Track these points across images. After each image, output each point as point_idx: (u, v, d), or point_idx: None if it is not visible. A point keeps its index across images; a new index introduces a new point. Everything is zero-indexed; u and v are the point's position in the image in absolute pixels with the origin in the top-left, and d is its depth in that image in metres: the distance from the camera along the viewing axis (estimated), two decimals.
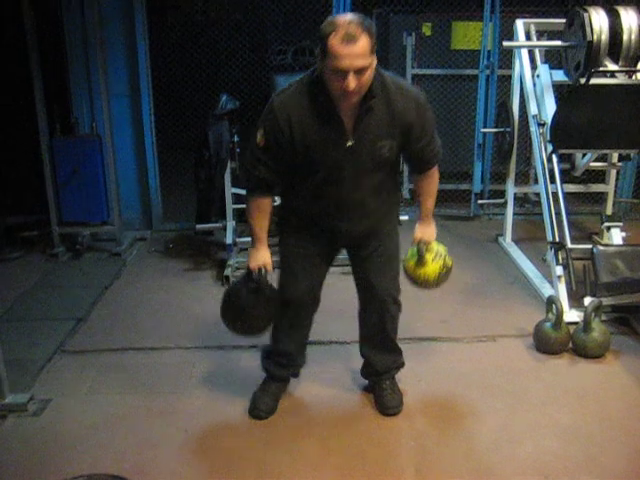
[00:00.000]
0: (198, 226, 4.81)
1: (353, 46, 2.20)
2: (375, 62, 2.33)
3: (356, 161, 2.52)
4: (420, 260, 2.78)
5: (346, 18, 2.26)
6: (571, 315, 3.78)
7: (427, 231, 2.87)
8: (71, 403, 3.12)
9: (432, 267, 2.79)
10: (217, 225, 4.81)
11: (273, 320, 2.86)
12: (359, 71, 2.24)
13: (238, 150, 4.58)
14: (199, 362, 3.50)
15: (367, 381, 3.16)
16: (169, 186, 5.91)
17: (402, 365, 3.11)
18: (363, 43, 2.21)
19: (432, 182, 2.80)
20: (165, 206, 5.77)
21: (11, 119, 5.61)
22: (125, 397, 3.17)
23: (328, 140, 2.48)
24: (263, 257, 2.75)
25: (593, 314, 3.49)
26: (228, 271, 4.54)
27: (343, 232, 2.72)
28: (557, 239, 4.14)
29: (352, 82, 2.25)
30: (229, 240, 4.64)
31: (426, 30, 6.00)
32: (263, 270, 2.73)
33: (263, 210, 2.69)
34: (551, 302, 3.58)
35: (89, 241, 5.31)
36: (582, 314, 3.57)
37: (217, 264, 4.83)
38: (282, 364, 3.03)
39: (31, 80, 4.88)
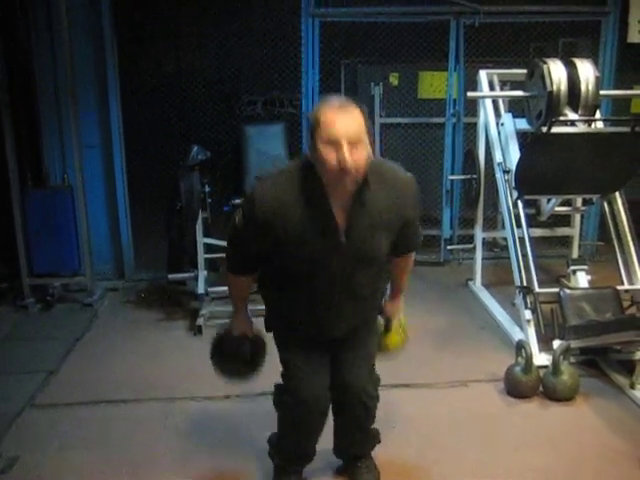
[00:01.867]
0: (170, 276, 4.81)
1: (347, 113, 2.08)
2: (369, 148, 2.16)
3: (346, 258, 2.29)
4: (385, 332, 2.81)
5: (338, 97, 2.22)
6: (541, 358, 3.83)
7: (397, 307, 2.79)
8: (40, 460, 3.07)
9: (394, 338, 2.84)
10: (189, 275, 4.82)
11: (283, 423, 2.70)
12: (354, 145, 2.07)
13: (209, 200, 4.63)
14: (172, 414, 3.47)
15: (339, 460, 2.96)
16: (141, 235, 5.91)
17: (379, 442, 2.92)
18: (357, 114, 2.10)
19: (409, 262, 2.66)
20: (137, 256, 5.76)
21: None
22: (97, 452, 3.13)
23: (315, 236, 2.24)
24: (241, 327, 2.67)
25: (562, 357, 3.54)
26: (200, 321, 4.53)
27: (326, 332, 2.53)
28: (525, 283, 4.22)
29: (348, 153, 2.05)
30: (201, 290, 4.66)
31: (393, 80, 6.15)
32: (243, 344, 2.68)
33: (241, 288, 2.59)
34: (520, 346, 3.63)
35: (60, 292, 5.26)
36: (551, 357, 3.62)
37: (190, 314, 4.81)
38: (300, 464, 2.84)
39: (2, 131, 4.90)
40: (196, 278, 4.76)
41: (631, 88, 5.82)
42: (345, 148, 2.05)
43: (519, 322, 4.31)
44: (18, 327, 4.77)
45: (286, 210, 2.20)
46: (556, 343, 3.85)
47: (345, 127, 2.06)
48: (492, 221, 6.04)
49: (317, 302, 2.41)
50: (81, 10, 5.18)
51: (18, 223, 5.03)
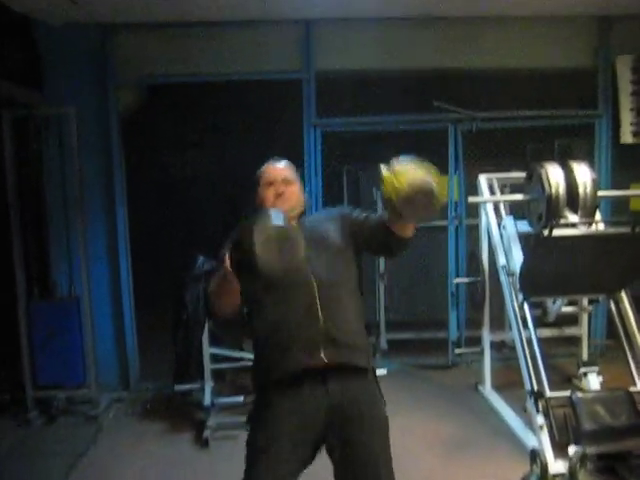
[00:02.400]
0: (176, 387, 4.76)
1: (279, 163, 2.64)
2: (302, 190, 2.64)
3: (315, 270, 2.36)
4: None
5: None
6: (556, 466, 3.70)
7: None
8: None
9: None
10: (195, 386, 4.76)
11: None
12: (287, 183, 2.56)
13: None
14: None
15: None
16: (147, 345, 5.89)
17: None
18: (288, 164, 2.66)
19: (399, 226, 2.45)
20: (143, 366, 5.72)
21: None
22: None
23: None
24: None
25: (578, 465, 3.44)
26: (207, 433, 4.44)
27: (317, 351, 2.32)
28: (535, 387, 4.14)
29: (282, 186, 2.53)
30: (207, 401, 4.60)
31: None
32: None
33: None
34: (535, 455, 3.54)
35: (64, 404, 5.18)
36: (567, 464, 3.51)
37: (196, 425, 4.72)
38: None
39: (11, 243, 4.98)
40: (202, 389, 4.70)
41: (628, 187, 5.95)
42: (280, 182, 2.55)
43: (532, 427, 4.20)
44: (20, 443, 4.68)
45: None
46: (571, 449, 3.73)
47: (278, 171, 2.60)
48: (499, 321, 6.00)
49: (300, 311, 2.35)
50: (90, 124, 5.38)
51: (23, 334, 5.03)
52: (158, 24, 5.42)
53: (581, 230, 4.29)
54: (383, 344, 6.15)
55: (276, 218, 2.15)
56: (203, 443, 4.41)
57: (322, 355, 2.31)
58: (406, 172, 2.26)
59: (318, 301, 2.34)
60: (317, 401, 2.33)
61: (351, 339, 2.40)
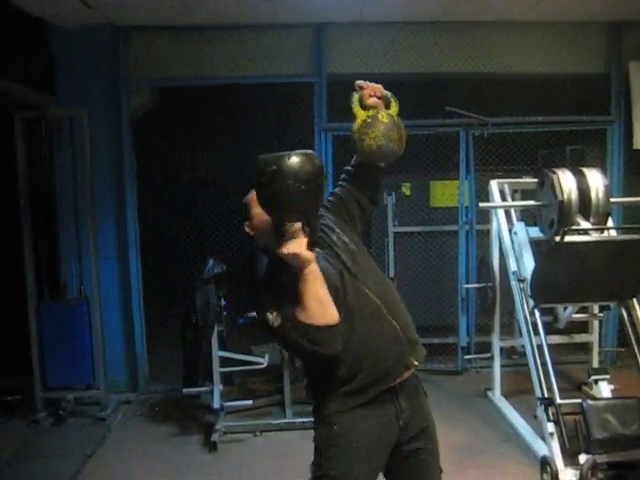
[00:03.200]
0: (185, 390, 4.75)
1: None
2: None
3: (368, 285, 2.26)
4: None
5: None
6: (567, 474, 3.68)
7: None
8: None
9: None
10: (204, 389, 4.76)
11: None
12: None
13: (225, 313, 4.63)
14: None
15: None
16: (156, 347, 5.90)
17: None
18: None
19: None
20: (151, 367, 5.72)
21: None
22: None
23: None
24: None
25: (589, 473, 3.42)
26: (215, 436, 4.44)
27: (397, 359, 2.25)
28: (545, 394, 4.12)
29: None
30: (216, 404, 4.58)
31: (405, 190, 6.27)
32: None
33: None
34: (545, 463, 3.52)
35: (73, 406, 5.20)
36: (578, 472, 3.49)
37: (204, 428, 4.72)
38: None
39: (22, 245, 5.01)
40: (211, 392, 4.69)
41: None
42: None
43: (542, 434, 4.18)
44: (28, 443, 4.69)
45: None
46: (582, 457, 3.71)
47: None
48: (509, 327, 5.98)
49: (378, 330, 2.23)
50: (101, 126, 5.41)
51: (33, 336, 5.04)
52: (171, 27, 5.44)
53: (593, 237, 4.26)
54: None
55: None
56: (211, 446, 4.41)
57: (413, 360, 2.28)
58: (372, 131, 2.27)
59: (388, 315, 2.24)
60: (392, 416, 2.27)
61: (414, 328, 2.38)
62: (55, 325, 5.06)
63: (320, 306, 2.08)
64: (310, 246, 2.06)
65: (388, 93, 2.38)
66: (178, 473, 4.15)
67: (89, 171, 5.10)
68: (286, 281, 2.10)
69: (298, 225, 2.07)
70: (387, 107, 2.35)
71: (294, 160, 2.00)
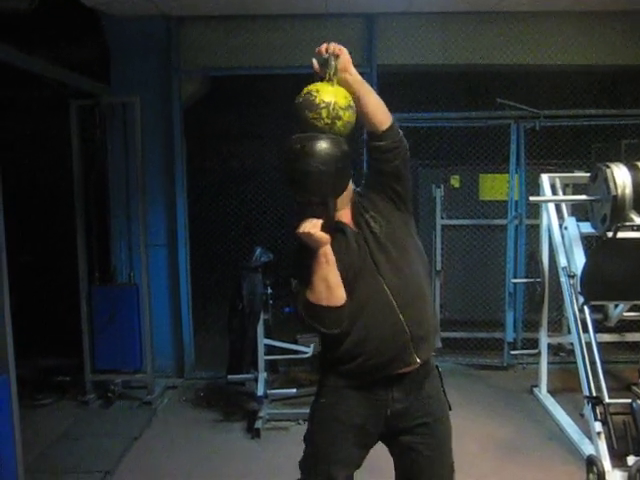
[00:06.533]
0: (230, 377, 4.80)
1: None
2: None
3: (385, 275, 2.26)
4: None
5: None
6: (614, 476, 3.60)
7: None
8: None
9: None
10: (249, 376, 4.80)
11: None
12: None
13: (271, 302, 4.66)
14: None
15: None
16: (202, 334, 5.98)
17: None
18: None
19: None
20: (197, 354, 5.80)
21: (53, 264, 5.84)
22: None
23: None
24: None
25: (638, 476, 3.35)
26: (259, 424, 4.49)
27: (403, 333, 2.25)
28: (594, 393, 4.04)
29: None
30: (260, 392, 4.61)
31: (454, 182, 6.20)
32: None
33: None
34: (592, 462, 3.45)
35: (120, 389, 5.31)
36: (626, 474, 3.42)
37: (248, 415, 4.77)
38: None
39: (74, 231, 5.13)
40: (256, 379, 4.73)
41: None
42: None
43: (588, 434, 4.10)
44: (78, 423, 4.81)
45: None
46: (631, 459, 3.63)
47: None
48: (557, 324, 5.89)
49: (381, 320, 2.25)
50: (153, 114, 5.48)
51: (84, 319, 5.16)
52: (222, 17, 5.47)
53: None
54: (438, 342, 6.07)
55: None
56: (254, 434, 4.45)
57: (417, 359, 2.28)
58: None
59: (397, 308, 2.24)
60: (381, 404, 2.31)
61: (431, 326, 2.37)
62: (105, 309, 5.16)
63: (326, 289, 2.18)
64: (325, 228, 2.15)
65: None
66: (221, 459, 4.20)
67: (141, 158, 5.17)
68: (305, 257, 2.21)
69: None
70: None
71: (318, 142, 2.10)
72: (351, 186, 2.34)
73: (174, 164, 5.59)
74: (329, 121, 2.12)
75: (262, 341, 4.71)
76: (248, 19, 5.49)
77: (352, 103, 2.17)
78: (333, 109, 2.12)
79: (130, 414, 5.00)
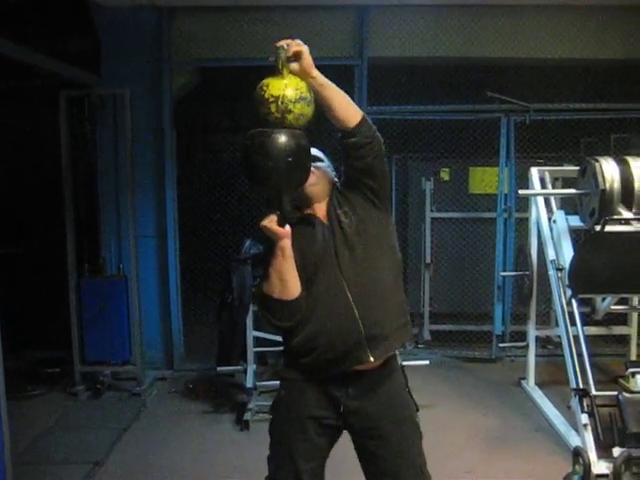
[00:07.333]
0: (219, 368, 4.81)
1: None
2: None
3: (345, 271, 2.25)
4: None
5: None
6: (600, 467, 3.63)
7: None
8: None
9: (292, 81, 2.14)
10: (238, 368, 4.81)
11: None
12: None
13: None
14: None
15: None
16: (191, 326, 5.97)
17: None
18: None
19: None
20: (187, 346, 5.80)
21: (42, 256, 5.81)
22: None
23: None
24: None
25: (623, 467, 3.37)
26: (248, 415, 4.49)
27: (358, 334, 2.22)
28: (580, 385, 4.07)
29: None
30: (249, 384, 4.63)
31: (444, 175, 6.22)
32: None
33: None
34: (578, 454, 3.48)
35: (110, 380, 5.31)
36: (611, 465, 3.45)
37: (237, 407, 4.76)
38: None
39: (63, 222, 5.10)
40: (245, 371, 4.75)
41: None
42: None
43: (575, 426, 4.13)
44: (67, 415, 4.81)
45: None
46: (616, 451, 3.66)
47: None
48: (545, 317, 5.93)
49: (337, 316, 2.23)
50: (143, 105, 5.45)
51: (74, 311, 5.14)
52: (213, 8, 5.44)
53: (635, 227, 4.19)
54: (426, 335, 6.12)
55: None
56: (243, 425, 4.46)
57: (370, 357, 2.25)
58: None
59: (353, 304, 2.22)
60: (334, 400, 2.31)
61: (395, 327, 2.31)
62: (94, 301, 5.15)
63: (280, 281, 2.21)
64: (281, 221, 2.17)
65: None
66: (210, 450, 4.21)
67: (130, 150, 5.15)
68: (266, 250, 2.30)
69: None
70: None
71: (267, 138, 2.09)
72: (333, 180, 2.38)
73: (164, 156, 5.56)
74: (279, 115, 2.09)
75: (251, 333, 4.72)
76: (239, 10, 5.46)
77: (306, 94, 2.12)
78: (282, 103, 2.08)
79: (119, 405, 5.00)
